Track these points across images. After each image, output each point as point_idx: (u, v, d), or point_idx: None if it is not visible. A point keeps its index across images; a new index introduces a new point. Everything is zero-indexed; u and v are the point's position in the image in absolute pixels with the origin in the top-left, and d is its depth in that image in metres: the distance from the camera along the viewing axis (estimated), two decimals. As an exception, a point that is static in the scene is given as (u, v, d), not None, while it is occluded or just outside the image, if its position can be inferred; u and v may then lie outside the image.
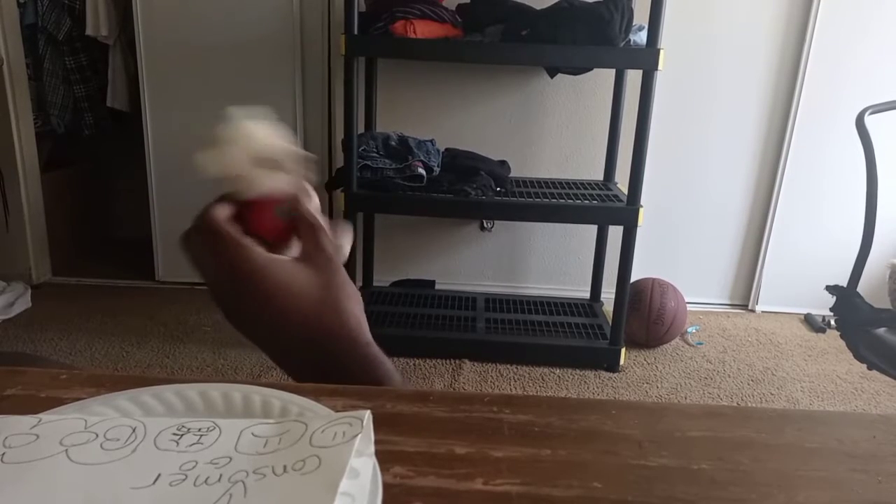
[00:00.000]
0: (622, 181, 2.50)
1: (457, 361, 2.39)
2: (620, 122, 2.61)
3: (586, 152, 2.83)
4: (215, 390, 0.39)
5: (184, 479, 0.30)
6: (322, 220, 0.47)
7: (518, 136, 2.83)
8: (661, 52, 2.09)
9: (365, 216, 2.76)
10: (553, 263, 2.98)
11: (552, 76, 2.71)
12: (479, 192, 2.28)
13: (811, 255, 2.87)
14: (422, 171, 2.29)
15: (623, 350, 2.38)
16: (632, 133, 2.19)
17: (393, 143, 2.38)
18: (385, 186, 2.28)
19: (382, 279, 2.89)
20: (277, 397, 0.38)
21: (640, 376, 2.38)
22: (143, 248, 3.05)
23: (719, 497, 0.34)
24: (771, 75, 2.75)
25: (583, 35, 2.14)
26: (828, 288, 1.69)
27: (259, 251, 0.45)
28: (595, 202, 2.33)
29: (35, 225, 2.96)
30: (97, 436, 0.32)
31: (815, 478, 0.36)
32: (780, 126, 2.79)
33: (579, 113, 2.80)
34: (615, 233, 2.45)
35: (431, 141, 2.46)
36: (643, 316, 2.52)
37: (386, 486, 0.32)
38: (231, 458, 0.31)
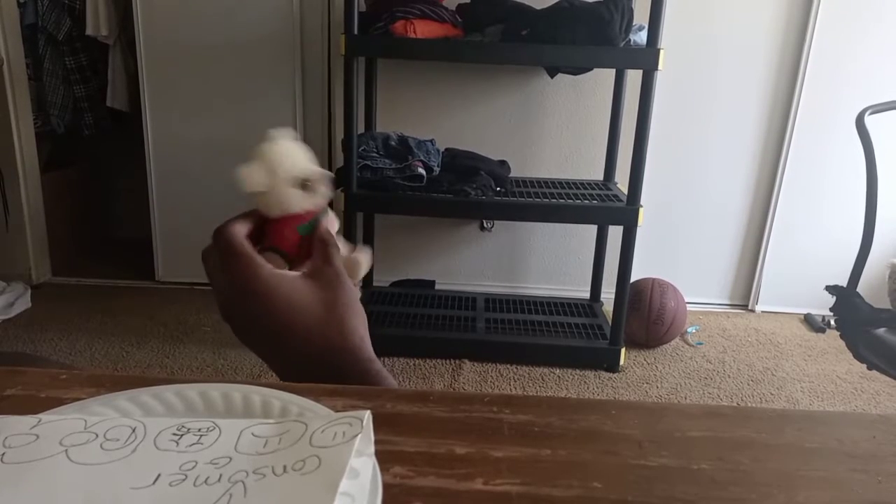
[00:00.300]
0: (622, 181, 2.50)
1: (457, 361, 2.39)
2: (620, 122, 2.61)
3: (586, 152, 2.83)
4: (215, 390, 0.39)
5: (184, 480, 0.30)
6: (337, 239, 0.49)
7: (518, 136, 2.83)
8: (661, 52, 2.09)
9: (365, 216, 2.76)
10: (553, 263, 2.98)
11: (552, 76, 2.71)
12: (479, 192, 2.28)
13: (811, 254, 2.87)
14: (422, 171, 2.29)
15: (623, 350, 2.39)
16: (632, 133, 2.19)
17: (393, 143, 2.38)
18: (385, 186, 2.28)
19: (382, 279, 2.89)
20: (277, 397, 0.38)
21: (640, 376, 2.38)
22: (143, 248, 3.05)
23: (719, 497, 0.34)
24: (771, 75, 2.75)
25: (583, 35, 2.14)
26: (828, 288, 1.69)
27: (268, 267, 0.46)
28: (595, 202, 2.33)
29: (35, 225, 2.96)
30: (97, 436, 0.32)
31: (815, 478, 0.36)
32: (780, 126, 2.79)
33: (579, 113, 2.80)
34: (615, 233, 2.45)
35: (431, 141, 2.46)
36: (643, 316, 2.52)
37: (386, 486, 0.32)
38: (231, 459, 0.31)
